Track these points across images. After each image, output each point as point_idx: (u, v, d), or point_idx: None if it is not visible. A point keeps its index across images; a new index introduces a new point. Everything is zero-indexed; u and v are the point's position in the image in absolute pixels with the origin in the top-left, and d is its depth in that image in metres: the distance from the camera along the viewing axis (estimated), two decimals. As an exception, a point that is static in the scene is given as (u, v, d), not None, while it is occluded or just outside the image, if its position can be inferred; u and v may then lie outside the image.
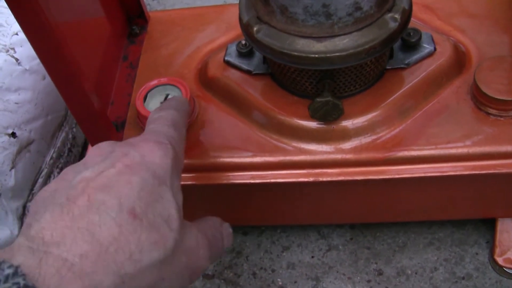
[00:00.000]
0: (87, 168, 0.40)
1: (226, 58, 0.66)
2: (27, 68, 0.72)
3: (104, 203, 0.37)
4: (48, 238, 0.34)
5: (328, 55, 0.54)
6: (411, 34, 0.62)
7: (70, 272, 0.33)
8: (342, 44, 0.54)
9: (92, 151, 0.43)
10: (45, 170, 0.74)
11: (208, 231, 0.46)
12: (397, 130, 0.59)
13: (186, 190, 0.62)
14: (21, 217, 0.69)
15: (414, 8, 0.60)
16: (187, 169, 0.61)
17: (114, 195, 0.37)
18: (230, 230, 0.50)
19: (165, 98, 0.62)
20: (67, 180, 0.39)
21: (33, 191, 0.71)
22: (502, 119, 0.58)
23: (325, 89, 0.57)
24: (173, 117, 0.49)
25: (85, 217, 0.36)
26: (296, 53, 0.54)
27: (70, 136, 0.81)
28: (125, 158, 0.40)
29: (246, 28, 0.58)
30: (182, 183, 0.60)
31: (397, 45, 0.63)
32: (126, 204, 0.37)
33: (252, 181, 0.60)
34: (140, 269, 0.36)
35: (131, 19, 0.76)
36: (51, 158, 0.75)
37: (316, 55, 0.54)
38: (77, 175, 0.39)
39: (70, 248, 0.34)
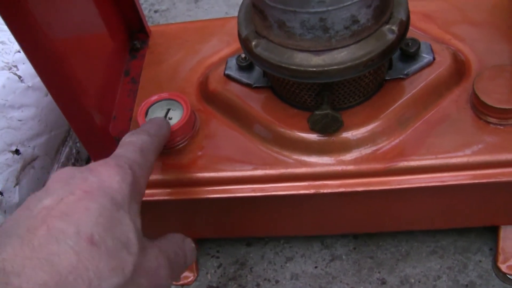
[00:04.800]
0: (47, 195, 0.40)
1: (226, 72, 0.66)
2: (30, 85, 0.72)
3: (62, 232, 0.37)
4: (9, 269, 0.35)
5: (326, 68, 0.54)
6: (410, 44, 0.62)
7: None
8: (340, 57, 0.54)
9: (53, 177, 0.43)
10: (50, 186, 0.74)
11: (169, 249, 0.47)
12: (398, 140, 0.59)
13: (189, 204, 0.63)
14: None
15: (413, 17, 0.60)
16: (190, 182, 0.62)
17: (72, 223, 0.38)
18: (193, 245, 0.51)
19: (166, 113, 0.63)
20: (29, 208, 0.40)
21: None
22: (502, 127, 0.58)
23: (324, 102, 0.57)
24: (143, 143, 0.50)
25: (45, 248, 0.36)
26: (294, 67, 0.55)
27: (74, 151, 0.81)
28: (84, 184, 0.41)
29: (244, 42, 0.58)
30: (187, 197, 0.61)
31: (396, 55, 0.63)
32: (84, 232, 0.38)
33: (253, 194, 0.60)
34: None
35: (132, 33, 0.76)
36: (55, 174, 0.76)
37: (315, 69, 0.54)
38: (38, 203, 0.39)
39: (29, 278, 0.35)
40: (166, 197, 0.62)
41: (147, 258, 0.42)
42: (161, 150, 0.55)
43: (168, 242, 0.48)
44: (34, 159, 0.72)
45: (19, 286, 0.34)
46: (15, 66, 0.73)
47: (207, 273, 0.73)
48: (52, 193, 0.40)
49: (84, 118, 0.61)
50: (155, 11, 1.14)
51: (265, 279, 0.71)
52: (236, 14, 0.62)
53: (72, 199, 0.39)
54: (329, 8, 0.51)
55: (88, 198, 0.40)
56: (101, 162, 0.45)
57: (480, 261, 0.68)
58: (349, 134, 0.59)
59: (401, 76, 0.62)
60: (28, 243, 0.36)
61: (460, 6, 0.71)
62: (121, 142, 0.50)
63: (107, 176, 0.42)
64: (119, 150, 0.49)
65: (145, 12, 1.11)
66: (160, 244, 0.46)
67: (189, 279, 0.72)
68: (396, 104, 0.60)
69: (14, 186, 0.68)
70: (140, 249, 0.41)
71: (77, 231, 0.37)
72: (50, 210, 0.39)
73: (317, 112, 0.56)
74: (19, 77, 0.72)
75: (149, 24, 0.78)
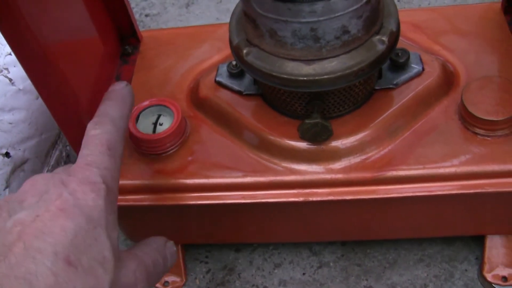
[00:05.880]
0: (22, 208, 0.40)
1: (217, 79, 0.67)
2: (21, 88, 0.72)
3: (40, 252, 0.37)
4: None
5: (316, 77, 0.54)
6: (400, 54, 0.63)
7: None
8: (330, 66, 0.54)
9: (26, 188, 0.43)
10: (39, 189, 0.74)
11: (148, 259, 0.47)
12: (386, 150, 0.60)
13: (178, 209, 0.63)
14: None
15: (403, 27, 0.61)
16: (179, 188, 0.62)
17: (49, 242, 0.38)
18: (174, 248, 0.51)
19: (157, 119, 0.63)
20: (1, 217, 0.40)
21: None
22: (489, 139, 0.59)
23: (314, 111, 0.57)
24: (109, 137, 0.48)
25: (22, 266, 0.36)
26: (285, 76, 0.55)
27: (64, 154, 0.81)
28: (59, 201, 0.41)
29: (236, 50, 0.59)
30: (176, 202, 0.62)
31: (385, 65, 0.63)
32: (61, 252, 0.38)
33: (243, 201, 0.61)
34: None
35: (124, 39, 0.76)
36: (45, 177, 0.76)
37: (305, 78, 0.54)
38: (13, 215, 0.40)
39: None
40: (155, 203, 0.63)
41: (124, 274, 0.43)
42: (126, 133, 0.53)
43: (147, 248, 0.48)
44: (24, 162, 0.72)
45: None
46: (6, 69, 0.72)
47: (195, 278, 0.73)
48: (26, 207, 0.40)
49: (75, 123, 0.61)
50: (146, 15, 1.15)
51: (253, 285, 0.71)
52: (227, 19, 0.62)
53: (48, 217, 0.39)
54: (320, 18, 0.51)
55: (63, 216, 0.40)
56: (73, 177, 0.44)
57: (466, 270, 0.69)
58: (338, 143, 0.60)
59: (391, 86, 0.62)
60: (5, 259, 0.36)
61: (449, 17, 0.72)
62: (85, 137, 0.49)
63: (82, 193, 0.42)
64: (86, 152, 0.47)
65: (136, 16, 1.11)
66: (139, 253, 0.46)
67: (177, 284, 0.72)
68: (385, 114, 0.61)
69: (4, 189, 0.68)
70: (116, 266, 0.41)
71: (55, 251, 0.38)
72: (26, 226, 0.38)
73: (307, 121, 0.56)
74: (10, 80, 0.72)
75: (140, 28, 0.78)
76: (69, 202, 0.41)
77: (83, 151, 0.47)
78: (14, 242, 0.37)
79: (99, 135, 0.49)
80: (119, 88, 0.56)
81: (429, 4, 1.06)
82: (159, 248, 0.49)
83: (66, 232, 0.39)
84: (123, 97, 0.55)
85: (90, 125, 0.50)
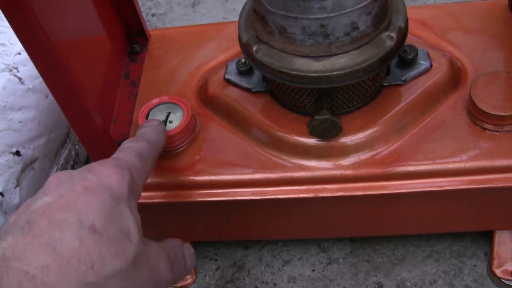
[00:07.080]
0: (46, 194, 0.41)
1: (226, 76, 0.67)
2: (30, 87, 0.73)
3: (64, 221, 0.38)
4: (9, 255, 0.36)
5: (326, 74, 0.55)
6: (408, 51, 0.63)
7: (32, 283, 0.35)
8: (339, 63, 0.55)
9: (50, 179, 0.44)
10: (49, 187, 0.75)
11: (168, 248, 0.48)
12: (395, 146, 0.60)
13: (188, 206, 0.64)
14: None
15: (410, 24, 0.61)
16: (189, 186, 0.62)
17: (73, 213, 0.39)
18: (192, 250, 0.52)
19: (167, 117, 0.63)
20: (28, 206, 0.41)
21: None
22: (497, 133, 0.59)
23: (323, 107, 0.58)
24: (142, 149, 0.51)
25: (46, 234, 0.37)
26: (294, 72, 0.55)
27: (73, 153, 0.82)
28: (83, 182, 0.42)
29: (245, 47, 0.59)
30: (186, 199, 0.62)
31: (394, 61, 0.64)
32: (85, 221, 0.39)
33: (252, 197, 0.61)
34: (103, 277, 0.38)
35: (132, 37, 0.77)
36: (54, 175, 0.76)
37: (315, 74, 0.55)
38: (38, 201, 0.40)
39: (31, 261, 0.35)
40: (165, 200, 0.63)
41: (147, 250, 0.43)
42: (157, 157, 0.56)
43: (166, 243, 0.49)
44: (34, 160, 0.72)
45: (19, 268, 0.35)
46: (16, 68, 0.73)
47: (205, 275, 0.73)
48: (51, 191, 0.41)
49: (85, 120, 0.61)
50: (153, 15, 1.15)
51: (263, 282, 0.72)
52: (233, 18, 0.63)
53: (72, 194, 0.40)
54: (330, 14, 0.52)
55: (88, 193, 0.41)
56: (99, 162, 0.46)
57: (475, 265, 0.69)
58: (347, 139, 0.60)
59: (399, 83, 0.63)
60: (29, 232, 0.37)
61: (455, 14, 0.72)
62: (120, 147, 0.52)
63: (106, 174, 0.43)
64: (118, 154, 0.50)
65: (143, 16, 1.12)
66: (159, 243, 0.47)
67: (188, 281, 0.72)
68: (394, 110, 0.61)
69: (15, 188, 0.68)
70: (141, 241, 0.42)
71: (79, 220, 0.38)
72: (50, 205, 0.40)
73: (316, 117, 0.57)
74: (20, 79, 0.72)
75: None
76: (93, 182, 0.42)
77: (114, 154, 0.49)
78: (39, 218, 0.38)
79: (133, 146, 0.51)
80: (154, 124, 0.59)
81: (434, 1, 1.07)
82: (177, 245, 0.50)
83: (90, 204, 0.40)
84: (157, 130, 0.57)
85: (125, 141, 0.53)
